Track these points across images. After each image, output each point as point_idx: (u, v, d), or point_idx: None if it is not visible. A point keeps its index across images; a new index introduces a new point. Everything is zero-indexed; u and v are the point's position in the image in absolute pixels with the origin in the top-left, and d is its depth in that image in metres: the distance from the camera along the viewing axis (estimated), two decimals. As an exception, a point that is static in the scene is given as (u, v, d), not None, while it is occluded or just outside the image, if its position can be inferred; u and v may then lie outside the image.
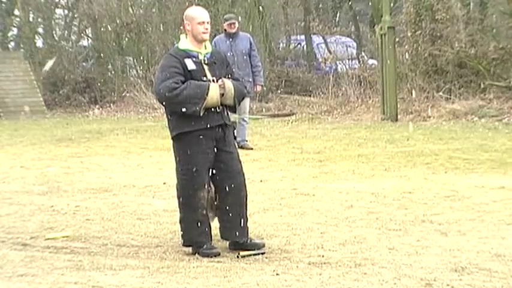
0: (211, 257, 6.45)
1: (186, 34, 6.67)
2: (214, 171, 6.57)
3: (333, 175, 10.45)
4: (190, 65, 6.52)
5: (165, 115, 6.81)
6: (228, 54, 12.07)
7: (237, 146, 6.95)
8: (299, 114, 18.97)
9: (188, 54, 6.57)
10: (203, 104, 6.41)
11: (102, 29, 24.35)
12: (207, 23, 6.62)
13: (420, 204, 8.37)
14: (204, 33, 6.58)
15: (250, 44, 13.19)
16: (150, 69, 22.58)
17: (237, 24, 13.14)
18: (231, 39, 12.94)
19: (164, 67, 6.55)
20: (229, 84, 6.56)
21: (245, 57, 13.03)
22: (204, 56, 6.62)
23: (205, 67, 6.58)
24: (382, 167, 10.99)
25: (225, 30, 13.13)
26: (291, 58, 24.12)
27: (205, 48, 6.67)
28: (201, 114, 6.43)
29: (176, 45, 6.78)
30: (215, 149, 6.55)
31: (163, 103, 6.60)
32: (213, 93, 6.46)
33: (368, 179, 10.05)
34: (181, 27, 6.65)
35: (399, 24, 18.64)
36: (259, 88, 13.60)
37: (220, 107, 6.57)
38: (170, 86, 6.40)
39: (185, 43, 6.65)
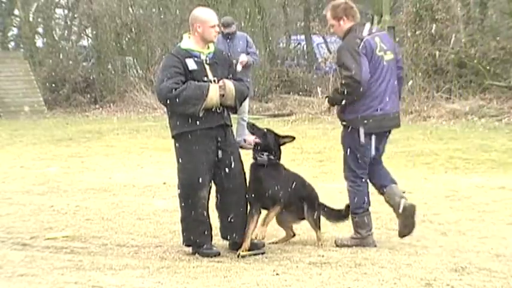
0: (211, 257, 6.45)
1: (190, 34, 6.66)
2: (214, 171, 6.57)
3: (333, 175, 10.43)
4: (191, 65, 6.52)
5: (165, 115, 6.82)
6: None
7: (237, 146, 6.94)
8: (299, 114, 18.95)
9: (190, 53, 6.57)
10: (202, 105, 6.41)
11: (102, 29, 24.36)
12: (217, 26, 6.65)
13: (420, 204, 8.36)
14: (214, 36, 6.61)
15: (247, 42, 13.17)
16: (150, 69, 22.58)
17: (233, 27, 13.13)
18: (228, 40, 12.94)
19: (165, 67, 6.55)
20: (230, 85, 6.55)
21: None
22: (206, 56, 6.62)
23: (207, 67, 6.58)
24: (382, 167, 10.97)
25: (222, 31, 13.12)
26: (291, 58, 24.10)
27: (208, 48, 6.67)
28: (201, 114, 6.43)
29: (178, 44, 6.78)
30: (216, 149, 6.55)
31: (163, 103, 6.61)
32: (213, 94, 6.46)
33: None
34: (190, 28, 6.62)
35: (399, 24, 18.63)
36: (244, 58, 12.71)
37: (221, 108, 6.57)
38: (170, 87, 6.40)
39: (188, 42, 6.64)
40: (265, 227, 6.56)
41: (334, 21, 6.81)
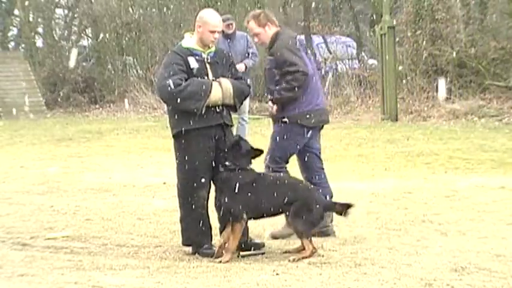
0: (211, 257, 6.45)
1: (192, 33, 6.67)
2: (214, 170, 6.57)
3: (333, 175, 10.42)
4: (193, 63, 6.53)
5: (165, 115, 6.82)
6: None
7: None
8: (299, 114, 18.92)
9: (191, 52, 6.58)
10: (205, 101, 6.42)
11: (102, 29, 24.36)
12: (218, 32, 6.65)
13: (420, 204, 8.38)
14: (211, 41, 6.60)
15: (248, 42, 13.15)
16: (150, 69, 22.58)
17: (234, 25, 13.10)
18: (229, 40, 12.90)
19: (168, 64, 6.54)
20: (226, 83, 6.55)
21: (244, 57, 12.98)
22: (208, 55, 6.62)
23: (208, 66, 6.59)
24: (382, 167, 10.99)
25: (223, 31, 13.06)
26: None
27: (209, 48, 6.67)
28: (203, 111, 6.43)
29: (180, 43, 6.78)
30: (215, 149, 6.55)
31: (166, 99, 6.60)
32: (215, 92, 6.48)
33: (368, 179, 10.05)
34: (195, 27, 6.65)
35: (399, 24, 18.63)
36: (242, 66, 12.48)
37: (220, 107, 6.57)
38: (175, 82, 6.39)
39: (189, 41, 6.65)
40: (229, 254, 6.26)
41: (260, 28, 7.08)
